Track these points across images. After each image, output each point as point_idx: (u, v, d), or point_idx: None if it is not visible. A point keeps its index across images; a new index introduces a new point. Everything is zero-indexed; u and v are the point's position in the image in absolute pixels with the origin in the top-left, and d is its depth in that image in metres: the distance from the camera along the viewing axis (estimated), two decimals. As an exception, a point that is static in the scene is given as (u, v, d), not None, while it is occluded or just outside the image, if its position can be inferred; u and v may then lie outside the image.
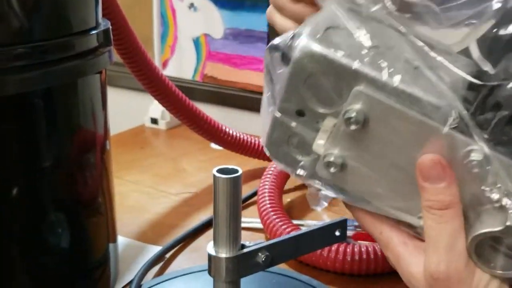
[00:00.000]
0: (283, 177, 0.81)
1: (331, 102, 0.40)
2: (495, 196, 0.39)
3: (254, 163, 0.95)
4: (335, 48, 0.39)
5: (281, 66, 0.42)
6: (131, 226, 0.77)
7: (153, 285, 0.63)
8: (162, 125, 1.14)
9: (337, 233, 0.54)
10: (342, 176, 0.42)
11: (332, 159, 0.42)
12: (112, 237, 0.63)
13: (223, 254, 0.49)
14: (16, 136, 0.51)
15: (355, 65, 0.39)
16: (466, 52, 0.41)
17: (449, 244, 0.40)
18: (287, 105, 0.42)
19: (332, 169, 0.42)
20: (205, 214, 0.80)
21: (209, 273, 0.50)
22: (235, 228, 0.48)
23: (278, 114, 0.42)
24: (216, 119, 0.93)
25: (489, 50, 0.40)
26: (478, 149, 0.38)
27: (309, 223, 0.75)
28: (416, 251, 0.43)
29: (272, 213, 0.71)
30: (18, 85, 0.48)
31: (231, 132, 0.93)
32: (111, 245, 0.63)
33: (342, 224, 0.54)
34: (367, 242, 0.68)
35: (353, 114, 0.39)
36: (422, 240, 0.42)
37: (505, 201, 0.39)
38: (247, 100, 1.13)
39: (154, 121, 1.15)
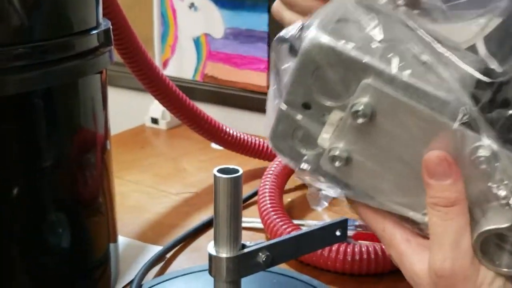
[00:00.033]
0: (284, 177, 0.81)
1: (338, 95, 0.40)
2: (502, 193, 0.39)
3: (254, 163, 0.95)
4: (345, 40, 0.39)
5: (288, 58, 0.42)
6: (132, 226, 0.77)
7: (154, 285, 0.63)
8: (162, 125, 1.14)
9: (338, 233, 0.54)
10: (346, 171, 0.42)
11: (337, 153, 0.41)
12: (112, 237, 0.63)
13: (224, 254, 0.49)
14: (17, 136, 0.51)
15: (365, 58, 0.39)
16: (472, 50, 0.41)
17: (455, 241, 0.40)
18: (294, 97, 0.42)
19: (337, 163, 0.42)
20: (206, 214, 0.80)
21: (210, 273, 0.50)
22: (235, 228, 0.48)
23: (283, 107, 0.42)
24: (217, 119, 0.93)
25: (496, 48, 0.40)
26: (486, 145, 0.38)
27: (309, 223, 0.75)
28: (419, 248, 0.42)
29: (273, 213, 0.71)
30: (18, 85, 0.48)
31: (231, 132, 0.93)
32: (111, 245, 0.63)
33: (342, 224, 0.54)
34: (368, 242, 0.68)
35: (361, 107, 0.39)
36: (426, 238, 0.42)
37: None
38: (247, 100, 1.13)
39: (155, 121, 1.15)
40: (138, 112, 1.17)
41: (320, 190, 0.86)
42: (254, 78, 1.12)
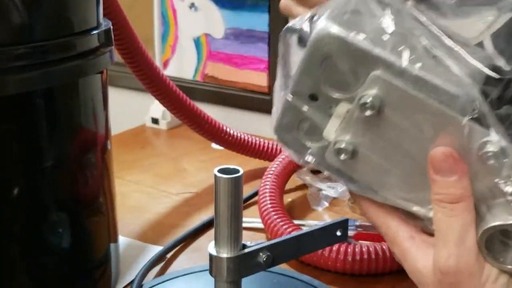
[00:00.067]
0: (284, 177, 0.81)
1: (346, 87, 0.40)
2: (509, 189, 0.39)
3: (255, 163, 0.95)
4: (355, 31, 0.39)
5: (296, 49, 0.42)
6: (132, 226, 0.77)
7: (154, 285, 0.63)
8: (163, 125, 1.14)
9: (338, 233, 0.54)
10: (351, 164, 0.42)
11: (343, 145, 0.41)
12: (113, 237, 0.63)
13: (224, 254, 0.49)
14: (17, 136, 0.51)
15: (375, 49, 0.38)
16: (480, 46, 0.41)
17: (460, 238, 0.40)
18: (301, 88, 0.41)
19: (342, 156, 0.41)
20: (206, 214, 0.80)
21: (210, 273, 0.50)
22: (236, 228, 0.48)
23: (290, 97, 0.42)
24: (217, 119, 0.93)
25: (504, 45, 0.40)
26: (495, 140, 0.38)
27: (310, 223, 0.75)
28: (423, 245, 0.42)
29: (273, 213, 0.71)
30: (19, 85, 0.48)
31: (231, 132, 0.93)
32: (112, 245, 0.63)
33: (343, 224, 0.54)
34: (368, 242, 0.68)
35: (369, 99, 0.39)
36: (430, 235, 0.42)
37: None
38: (248, 100, 1.13)
39: (155, 121, 1.15)
40: (139, 112, 1.17)
41: (320, 190, 0.86)
42: (254, 78, 1.12)
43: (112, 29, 0.58)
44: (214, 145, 1.00)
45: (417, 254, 0.42)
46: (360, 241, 0.69)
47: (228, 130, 0.93)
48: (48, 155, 0.53)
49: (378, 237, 0.70)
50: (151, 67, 0.82)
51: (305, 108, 0.42)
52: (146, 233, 0.76)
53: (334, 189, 0.84)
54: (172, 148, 1.08)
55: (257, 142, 0.95)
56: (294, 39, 0.43)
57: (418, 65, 0.38)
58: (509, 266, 0.40)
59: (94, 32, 0.54)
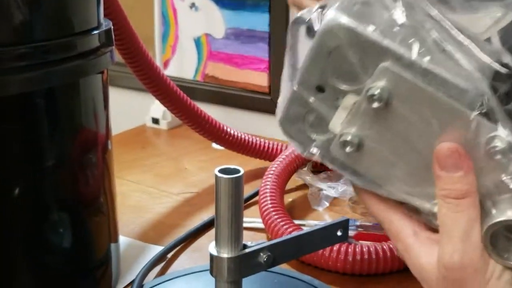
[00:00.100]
0: (285, 177, 0.81)
1: (354, 79, 0.40)
2: None
3: (255, 163, 0.96)
4: (365, 22, 0.39)
5: (305, 40, 0.42)
6: (133, 226, 0.77)
7: (155, 285, 0.63)
8: (163, 125, 1.14)
9: (339, 233, 0.54)
10: (356, 157, 0.42)
11: (349, 138, 0.41)
12: (113, 236, 0.63)
13: (225, 254, 0.49)
14: (19, 136, 0.51)
15: (385, 41, 0.38)
16: (488, 42, 0.41)
17: (465, 234, 0.39)
18: (308, 79, 0.41)
19: (347, 149, 0.41)
20: (207, 214, 0.80)
21: (211, 273, 0.50)
22: (237, 228, 0.49)
23: (297, 88, 0.42)
24: (217, 119, 0.93)
25: (511, 42, 0.40)
26: (503, 136, 0.38)
27: (310, 223, 0.75)
28: (427, 242, 0.42)
29: (274, 213, 0.71)
30: (20, 85, 0.49)
31: (232, 132, 0.93)
32: (112, 245, 0.63)
33: (343, 224, 0.54)
34: (369, 242, 0.68)
35: (377, 91, 0.39)
36: (434, 231, 0.42)
37: None
38: (248, 100, 1.13)
39: (156, 121, 1.15)
40: (139, 112, 1.17)
41: (321, 190, 0.86)
42: (255, 78, 1.12)
43: (112, 29, 0.58)
44: (215, 145, 1.00)
45: (420, 250, 0.42)
46: (360, 241, 0.69)
47: (228, 130, 0.93)
48: (49, 155, 0.53)
49: (378, 237, 0.70)
50: (151, 67, 0.82)
51: (311, 99, 0.41)
52: (146, 233, 0.76)
53: (334, 189, 0.84)
54: (172, 148, 1.08)
55: (258, 142, 0.95)
56: (302, 30, 0.42)
57: (428, 58, 0.38)
58: None
59: (95, 32, 0.54)
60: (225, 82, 1.16)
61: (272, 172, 0.80)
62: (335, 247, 0.65)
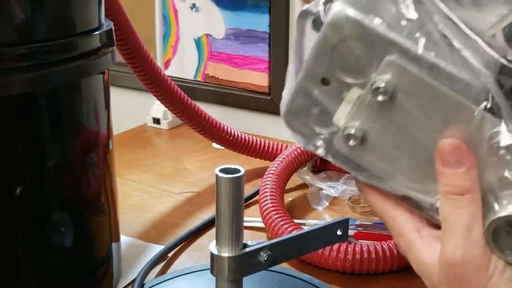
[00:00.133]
0: (285, 177, 0.82)
1: (360, 72, 0.40)
2: None
3: (255, 163, 0.96)
4: (372, 15, 0.39)
5: (311, 33, 0.41)
6: (134, 225, 0.77)
7: (156, 284, 0.63)
8: (164, 125, 1.15)
9: (339, 233, 0.55)
10: (360, 151, 0.41)
11: (352, 131, 0.41)
12: (115, 236, 0.63)
13: (226, 253, 0.49)
14: (20, 136, 0.51)
15: (391, 34, 0.38)
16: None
17: (467, 230, 0.39)
18: (313, 71, 0.41)
19: (351, 142, 0.41)
20: (208, 213, 0.80)
21: (212, 272, 0.50)
22: (237, 228, 0.49)
23: (302, 80, 0.41)
24: (218, 119, 0.93)
25: None
26: (507, 131, 0.38)
27: (310, 222, 0.75)
28: (429, 238, 0.42)
29: (274, 212, 0.72)
30: (22, 85, 0.49)
31: (232, 131, 0.94)
32: (114, 244, 0.63)
33: (343, 224, 0.55)
34: (368, 242, 0.68)
35: (382, 84, 0.39)
36: (436, 227, 0.42)
37: None
38: (248, 100, 1.13)
39: (156, 120, 1.15)
40: (140, 112, 1.17)
41: (321, 189, 0.87)
42: (255, 78, 1.12)
43: (114, 30, 0.58)
44: (215, 145, 1.01)
45: (422, 247, 0.42)
46: (360, 240, 0.70)
47: (229, 130, 0.93)
48: (50, 155, 0.53)
49: (378, 237, 0.70)
50: (152, 67, 0.82)
51: (316, 92, 0.41)
52: (147, 232, 0.76)
53: (334, 189, 0.84)
54: (173, 148, 1.08)
55: (258, 142, 0.95)
56: (309, 23, 0.42)
57: (434, 52, 0.38)
58: None
59: (96, 32, 0.54)
60: (225, 82, 1.16)
61: (272, 171, 0.80)
62: (335, 246, 0.66)
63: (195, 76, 1.19)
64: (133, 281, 0.64)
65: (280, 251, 0.51)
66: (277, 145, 0.95)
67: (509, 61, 0.39)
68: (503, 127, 0.38)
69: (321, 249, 0.66)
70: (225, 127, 0.93)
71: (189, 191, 0.88)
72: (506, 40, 0.40)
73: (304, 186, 0.88)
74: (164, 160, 1.01)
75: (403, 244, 0.43)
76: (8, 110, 0.49)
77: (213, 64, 1.16)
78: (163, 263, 0.69)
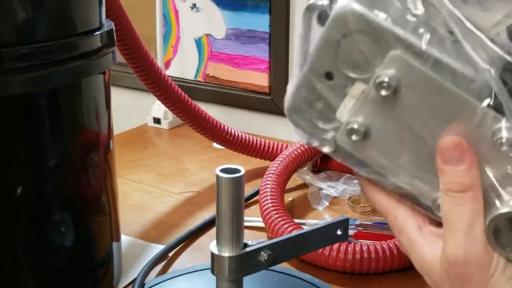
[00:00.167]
0: (285, 177, 0.82)
1: (363, 67, 0.40)
2: None
3: (256, 163, 0.96)
4: (377, 10, 0.39)
5: (316, 27, 0.41)
6: (134, 225, 0.77)
7: (156, 284, 0.63)
8: (164, 125, 1.15)
9: (339, 232, 0.55)
10: (362, 146, 0.42)
11: (355, 126, 0.41)
12: (115, 236, 0.64)
13: (226, 253, 0.49)
14: (21, 136, 0.51)
15: (396, 29, 0.38)
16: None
17: (468, 228, 0.39)
18: (318, 65, 0.41)
19: (354, 137, 0.41)
20: (208, 213, 0.80)
21: (212, 272, 0.50)
22: (237, 227, 0.49)
23: (306, 74, 0.42)
24: (218, 119, 0.94)
25: None
26: (510, 127, 0.38)
27: (310, 222, 0.75)
28: (430, 236, 0.42)
29: (274, 212, 0.72)
30: (23, 85, 0.49)
31: (233, 131, 0.94)
32: (114, 244, 0.63)
33: (343, 223, 0.55)
34: (368, 241, 0.68)
35: (386, 79, 0.39)
36: (438, 225, 0.42)
37: None
38: (249, 100, 1.14)
39: (157, 120, 1.15)
40: (141, 112, 1.17)
41: (321, 189, 0.87)
42: (255, 78, 1.12)
43: (114, 30, 0.58)
44: (216, 145, 1.01)
45: (424, 245, 0.42)
46: (360, 240, 0.70)
47: (229, 130, 0.93)
48: (51, 155, 0.53)
49: (378, 236, 0.70)
50: (153, 68, 0.82)
51: (320, 86, 0.41)
52: (148, 232, 0.76)
53: (334, 189, 0.84)
54: (173, 148, 1.08)
55: (258, 141, 0.95)
56: (315, 17, 0.42)
57: (438, 47, 0.38)
58: None
59: (97, 32, 0.54)
60: (225, 82, 1.16)
61: (272, 171, 0.80)
62: (335, 246, 0.66)
63: (195, 76, 1.19)
64: (134, 280, 0.64)
65: (280, 251, 0.51)
66: (277, 145, 0.95)
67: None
68: (506, 124, 0.38)
69: (321, 249, 0.66)
70: (226, 127, 0.93)
71: (190, 191, 0.88)
72: (510, 38, 0.40)
73: (304, 186, 0.88)
74: (165, 160, 1.01)
75: (405, 242, 0.43)
76: (8, 110, 0.49)
77: (213, 64, 1.17)
78: (163, 263, 0.69)
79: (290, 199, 0.85)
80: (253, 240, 0.51)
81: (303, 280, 0.63)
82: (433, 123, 0.40)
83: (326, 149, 0.43)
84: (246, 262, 0.50)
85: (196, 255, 0.71)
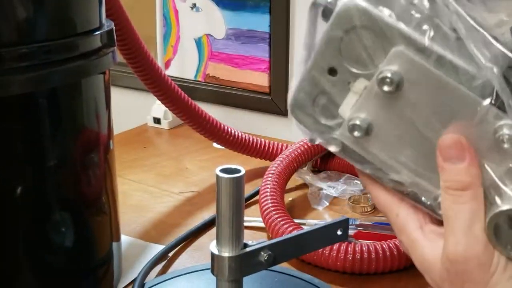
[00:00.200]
0: (285, 177, 0.82)
1: (367, 62, 0.40)
2: None
3: (256, 163, 0.96)
4: (382, 6, 0.39)
5: (321, 24, 0.42)
6: (134, 225, 0.77)
7: (156, 284, 0.63)
8: (164, 125, 1.15)
9: (339, 232, 0.55)
10: (364, 143, 0.42)
11: (357, 122, 0.41)
12: (115, 236, 0.64)
13: (226, 253, 0.49)
14: (21, 136, 0.51)
15: (400, 25, 0.38)
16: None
17: (468, 226, 0.39)
18: (321, 61, 0.41)
19: (356, 133, 0.41)
20: (208, 213, 0.80)
21: (212, 272, 0.50)
22: (237, 227, 0.49)
23: (310, 69, 0.42)
24: (218, 118, 0.94)
25: None
26: None
27: (310, 222, 0.75)
28: (431, 235, 0.42)
29: (274, 212, 0.72)
30: (23, 85, 0.49)
31: (233, 131, 0.94)
32: (114, 244, 0.63)
33: (343, 224, 0.55)
34: (368, 241, 0.68)
35: (389, 75, 0.39)
36: (439, 224, 0.42)
37: None
38: (249, 100, 1.14)
39: (157, 120, 1.15)
40: (141, 112, 1.17)
41: (321, 189, 0.87)
42: (255, 78, 1.12)
43: (114, 30, 0.58)
44: (216, 145, 1.01)
45: (424, 244, 0.42)
46: (360, 240, 0.70)
47: (229, 129, 0.93)
48: (51, 155, 0.53)
49: (378, 236, 0.70)
50: (153, 67, 0.82)
51: (323, 82, 0.42)
52: (148, 232, 0.76)
53: (334, 189, 0.84)
54: (173, 148, 1.08)
55: (258, 141, 0.95)
56: (319, 13, 0.42)
57: (441, 44, 0.38)
58: None
59: (97, 32, 0.54)
60: (225, 82, 1.16)
61: (272, 171, 0.80)
62: (335, 246, 0.66)
63: (195, 76, 1.19)
64: (134, 280, 0.64)
65: (280, 251, 0.51)
66: (277, 145, 0.95)
67: None
68: (508, 121, 0.38)
69: (321, 249, 0.66)
70: (226, 127, 0.93)
71: (190, 191, 0.88)
72: None
73: (304, 186, 0.88)
74: (165, 160, 1.01)
75: (406, 240, 0.43)
76: (8, 110, 0.49)
77: (213, 64, 1.17)
78: (163, 263, 0.69)
79: (290, 199, 0.85)
80: (253, 240, 0.51)
81: (303, 280, 0.63)
82: (435, 119, 0.40)
83: (328, 146, 0.43)
84: (246, 262, 0.50)
85: (196, 255, 0.71)
